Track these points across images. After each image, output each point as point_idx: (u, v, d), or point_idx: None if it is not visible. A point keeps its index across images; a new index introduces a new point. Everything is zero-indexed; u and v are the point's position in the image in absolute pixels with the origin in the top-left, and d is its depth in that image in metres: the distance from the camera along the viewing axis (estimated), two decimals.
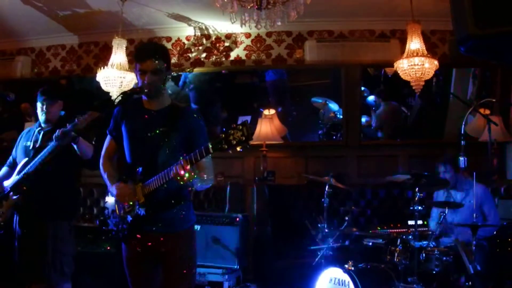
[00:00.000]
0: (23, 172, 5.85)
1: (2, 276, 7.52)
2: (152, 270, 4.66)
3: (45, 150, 5.75)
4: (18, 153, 6.26)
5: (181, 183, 4.21)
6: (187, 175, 4.12)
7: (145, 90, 4.54)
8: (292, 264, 8.46)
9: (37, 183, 5.69)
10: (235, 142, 3.94)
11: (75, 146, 5.86)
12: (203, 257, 8.15)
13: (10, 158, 6.45)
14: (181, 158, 4.14)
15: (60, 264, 5.98)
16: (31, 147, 6.12)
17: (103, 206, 4.96)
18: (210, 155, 4.25)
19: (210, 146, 4.01)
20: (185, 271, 4.60)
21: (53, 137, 5.66)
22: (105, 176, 4.86)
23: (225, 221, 8.56)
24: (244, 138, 3.93)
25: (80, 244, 7.01)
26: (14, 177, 5.99)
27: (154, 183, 4.39)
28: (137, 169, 4.55)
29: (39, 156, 5.75)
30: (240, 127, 3.95)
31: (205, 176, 4.49)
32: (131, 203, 4.55)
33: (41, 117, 6.26)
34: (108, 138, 4.97)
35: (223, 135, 3.97)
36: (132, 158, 4.68)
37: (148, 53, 4.63)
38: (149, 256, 4.62)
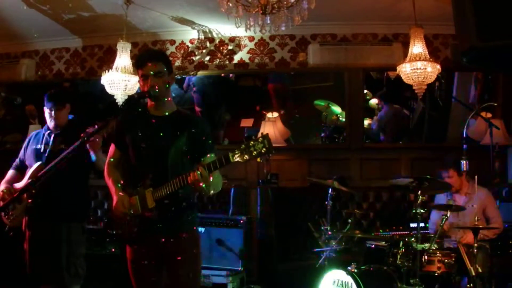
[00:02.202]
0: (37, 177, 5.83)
1: (12, 277, 7.57)
2: (157, 272, 4.68)
3: (62, 155, 5.70)
4: (27, 156, 6.23)
5: (197, 189, 4.28)
6: (203, 182, 4.18)
7: (151, 94, 4.58)
8: (296, 266, 8.50)
9: (49, 185, 5.69)
10: (255, 153, 4.02)
11: (93, 157, 5.88)
12: (208, 259, 8.21)
13: (17, 160, 6.43)
14: (187, 164, 4.21)
15: (74, 267, 6.00)
16: (42, 150, 6.13)
17: (108, 209, 4.94)
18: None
19: (231, 156, 4.08)
20: (190, 273, 4.64)
21: (81, 137, 5.58)
22: (109, 182, 4.87)
23: (229, 223, 8.61)
24: (265, 150, 4.02)
25: (85, 246, 7.05)
26: (27, 181, 5.99)
27: (167, 188, 4.41)
28: (147, 175, 4.57)
29: (55, 161, 5.70)
30: (261, 139, 4.04)
31: (216, 183, 4.51)
32: (132, 211, 4.60)
33: (50, 123, 6.23)
34: (112, 146, 5.01)
35: (244, 146, 4.05)
36: (140, 165, 4.69)
37: (146, 57, 4.73)
38: (154, 259, 4.64)
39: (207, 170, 4.19)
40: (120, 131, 4.90)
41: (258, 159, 4.12)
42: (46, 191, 5.75)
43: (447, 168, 7.63)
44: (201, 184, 4.19)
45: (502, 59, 2.51)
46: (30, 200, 5.86)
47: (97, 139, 5.63)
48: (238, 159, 4.07)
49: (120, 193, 4.70)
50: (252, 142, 4.04)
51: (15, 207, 5.92)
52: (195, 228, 4.81)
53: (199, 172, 4.16)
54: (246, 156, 4.03)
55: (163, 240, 4.59)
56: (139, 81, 4.79)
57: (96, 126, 5.20)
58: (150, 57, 4.73)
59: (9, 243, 6.33)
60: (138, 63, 4.73)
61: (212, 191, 4.48)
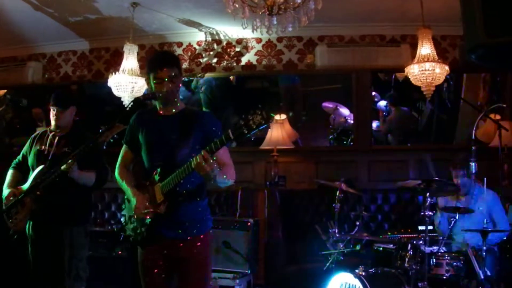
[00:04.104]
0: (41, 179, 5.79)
1: (16, 280, 7.56)
2: (168, 276, 4.69)
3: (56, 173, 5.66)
4: (31, 157, 6.22)
5: (202, 174, 4.24)
6: (208, 165, 4.14)
7: (162, 97, 4.64)
8: (303, 269, 8.45)
9: (52, 189, 5.68)
10: (255, 126, 3.96)
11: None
12: (214, 262, 8.13)
13: (19, 157, 6.43)
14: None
15: (75, 269, 5.97)
16: (45, 152, 6.11)
17: (122, 214, 4.90)
18: (229, 151, 4.56)
19: (230, 131, 4.04)
20: (201, 277, 4.65)
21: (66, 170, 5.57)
22: (123, 184, 4.89)
23: (236, 226, 8.56)
24: (264, 122, 3.96)
25: (92, 249, 7.03)
26: (31, 184, 5.96)
27: (174, 180, 4.41)
28: (157, 170, 4.60)
29: (56, 168, 5.66)
30: (259, 111, 3.98)
31: (225, 175, 4.49)
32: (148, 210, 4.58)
33: (52, 122, 6.26)
34: (124, 148, 5.03)
35: (243, 121, 3.99)
36: (152, 163, 4.73)
37: (164, 61, 4.71)
38: (166, 262, 4.65)
39: (209, 151, 4.17)
40: (132, 132, 4.94)
41: (258, 132, 4.04)
42: (48, 194, 5.73)
43: (463, 167, 7.58)
44: (206, 168, 4.15)
45: (509, 56, 2.47)
46: (33, 204, 5.84)
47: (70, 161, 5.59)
48: (239, 134, 4.01)
49: (139, 194, 4.71)
50: (250, 116, 3.98)
51: (18, 211, 5.89)
52: (207, 230, 4.79)
53: (202, 154, 4.14)
54: (245, 130, 3.98)
55: (176, 244, 4.61)
56: (147, 82, 4.78)
57: (113, 128, 5.23)
58: (167, 61, 4.71)
59: (12, 247, 6.30)
60: (153, 66, 4.70)
61: (220, 179, 4.45)
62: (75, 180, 5.85)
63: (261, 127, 4.00)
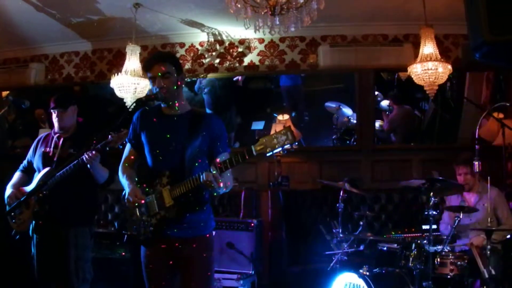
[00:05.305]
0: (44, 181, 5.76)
1: (20, 282, 7.56)
2: (171, 275, 4.70)
3: (70, 165, 5.64)
4: (36, 159, 6.21)
5: (208, 189, 4.34)
6: (216, 183, 4.20)
7: (158, 95, 4.61)
8: (307, 269, 8.45)
9: (57, 190, 5.68)
10: (278, 145, 4.03)
11: (90, 170, 5.84)
12: (218, 262, 8.16)
13: (24, 162, 6.43)
14: (206, 167, 4.25)
15: (82, 271, 5.97)
16: (50, 154, 6.10)
17: (122, 210, 4.89)
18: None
19: (253, 148, 4.09)
20: (204, 277, 4.65)
21: (83, 158, 5.60)
22: (123, 178, 4.87)
23: (240, 226, 8.55)
24: (288, 142, 4.03)
25: (95, 250, 7.02)
26: (36, 186, 5.94)
27: (184, 187, 4.44)
28: (164, 173, 4.60)
29: (63, 169, 5.65)
30: (284, 131, 4.05)
31: (226, 185, 4.50)
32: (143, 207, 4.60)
33: (55, 124, 6.25)
34: (128, 146, 5.03)
35: (266, 139, 4.06)
36: (156, 164, 4.72)
37: (153, 59, 4.78)
38: (169, 261, 4.66)
39: (229, 165, 4.24)
40: (135, 132, 4.93)
41: (281, 152, 4.07)
42: (53, 195, 5.73)
43: (459, 165, 7.60)
44: (214, 186, 4.21)
45: None
46: (36, 205, 5.84)
47: (93, 153, 5.60)
48: (260, 151, 4.07)
49: (133, 185, 4.73)
50: (274, 135, 4.05)
51: (22, 212, 5.89)
52: (210, 231, 4.81)
53: (212, 173, 4.19)
54: (268, 148, 4.04)
55: (179, 243, 4.61)
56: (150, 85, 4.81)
57: (122, 133, 5.24)
58: (157, 58, 4.77)
59: (17, 248, 6.31)
60: (146, 66, 4.78)
61: (222, 191, 4.48)
62: (89, 172, 5.87)
63: (284, 147, 4.05)
